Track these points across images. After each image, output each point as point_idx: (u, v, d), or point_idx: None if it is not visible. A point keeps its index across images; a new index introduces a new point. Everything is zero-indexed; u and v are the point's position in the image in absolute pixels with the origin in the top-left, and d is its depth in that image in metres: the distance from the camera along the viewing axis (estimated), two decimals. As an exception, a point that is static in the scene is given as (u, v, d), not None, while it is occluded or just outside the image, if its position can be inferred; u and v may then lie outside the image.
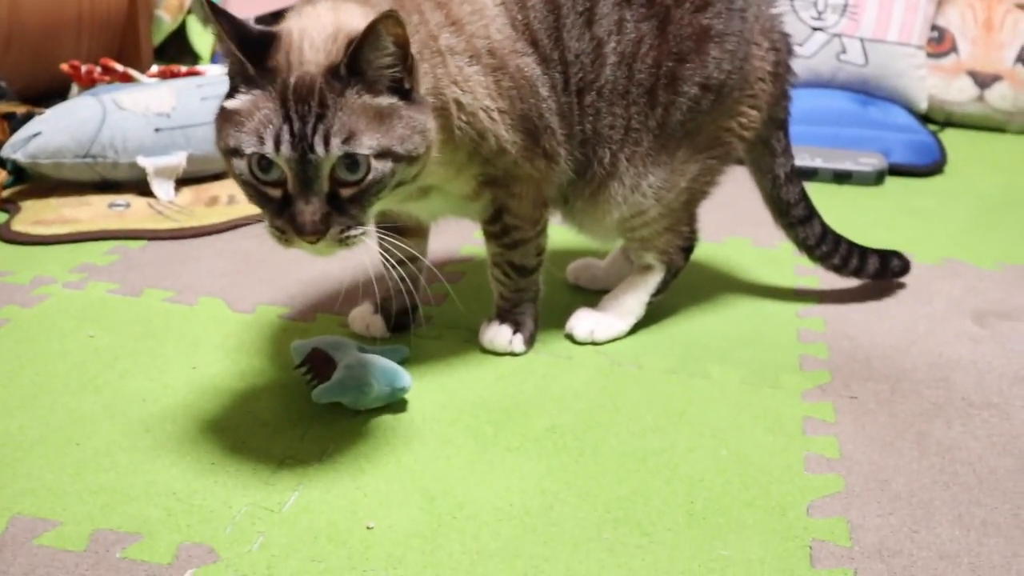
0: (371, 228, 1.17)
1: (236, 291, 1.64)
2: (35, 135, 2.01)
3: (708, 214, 1.53)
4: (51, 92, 2.48)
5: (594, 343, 1.49)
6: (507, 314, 1.46)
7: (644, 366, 1.43)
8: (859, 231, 1.72)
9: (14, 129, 2.11)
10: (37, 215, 1.95)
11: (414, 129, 1.10)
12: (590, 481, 1.16)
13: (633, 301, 1.52)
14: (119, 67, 2.36)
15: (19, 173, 2.11)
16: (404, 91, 1.10)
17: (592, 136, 1.36)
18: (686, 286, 1.66)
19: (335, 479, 1.15)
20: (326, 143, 1.04)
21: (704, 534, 1.07)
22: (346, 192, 1.08)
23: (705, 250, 1.83)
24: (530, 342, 1.46)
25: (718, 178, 1.50)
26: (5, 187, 2.04)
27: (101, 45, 2.66)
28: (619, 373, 1.41)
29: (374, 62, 1.06)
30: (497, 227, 1.39)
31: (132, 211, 1.96)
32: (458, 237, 1.86)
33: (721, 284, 1.73)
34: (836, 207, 1.68)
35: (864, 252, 1.65)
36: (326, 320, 1.55)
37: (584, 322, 1.50)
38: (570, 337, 1.50)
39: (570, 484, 1.15)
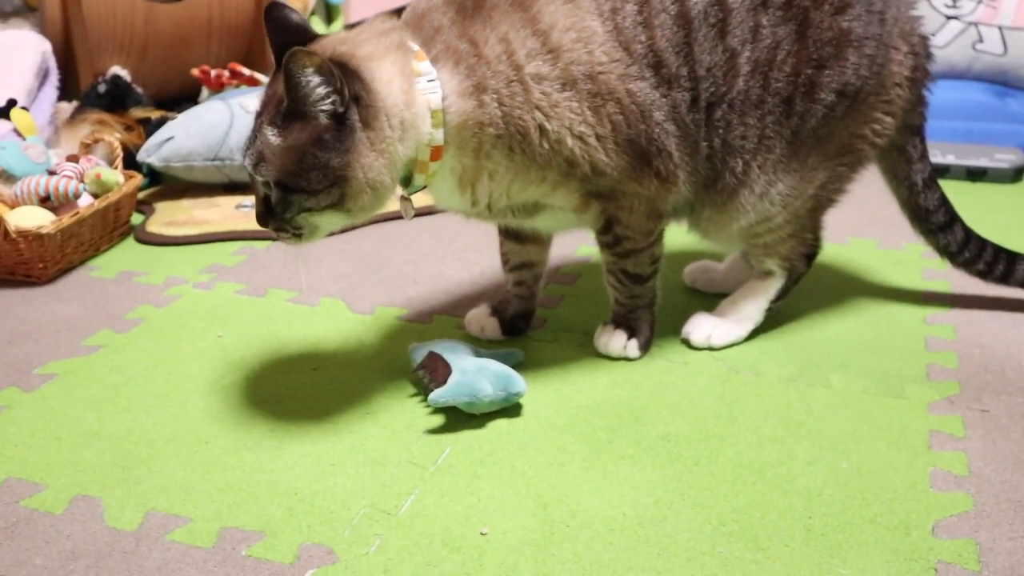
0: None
1: (356, 292, 1.68)
2: (168, 139, 2.10)
3: (831, 214, 1.49)
4: (183, 96, 2.58)
5: (711, 349, 1.47)
6: (622, 319, 1.45)
7: (762, 373, 1.40)
8: (994, 232, 1.64)
9: (149, 134, 2.21)
10: (170, 216, 2.04)
11: (315, 166, 1.15)
12: (705, 492, 1.14)
13: (752, 307, 1.49)
14: (246, 71, 2.44)
15: (153, 176, 2.21)
16: (352, 119, 1.16)
17: (721, 148, 1.33)
18: (807, 290, 1.62)
19: (450, 483, 1.16)
20: (249, 161, 1.19)
21: (822, 551, 1.04)
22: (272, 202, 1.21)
23: (827, 251, 1.78)
24: (645, 347, 1.45)
25: (847, 185, 1.45)
26: (140, 189, 2.13)
27: (229, 50, 2.75)
28: (736, 380, 1.38)
29: (296, 95, 1.13)
30: (608, 237, 1.38)
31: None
32: (574, 240, 1.86)
33: (844, 288, 1.68)
34: (969, 206, 1.61)
35: (1013, 257, 1.56)
36: (443, 321, 1.57)
37: (701, 327, 1.48)
38: (686, 342, 1.48)
39: (684, 495, 1.14)
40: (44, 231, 1.71)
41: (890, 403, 1.32)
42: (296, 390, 1.38)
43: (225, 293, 1.69)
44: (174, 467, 1.21)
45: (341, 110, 1.14)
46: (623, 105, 1.25)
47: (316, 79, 1.12)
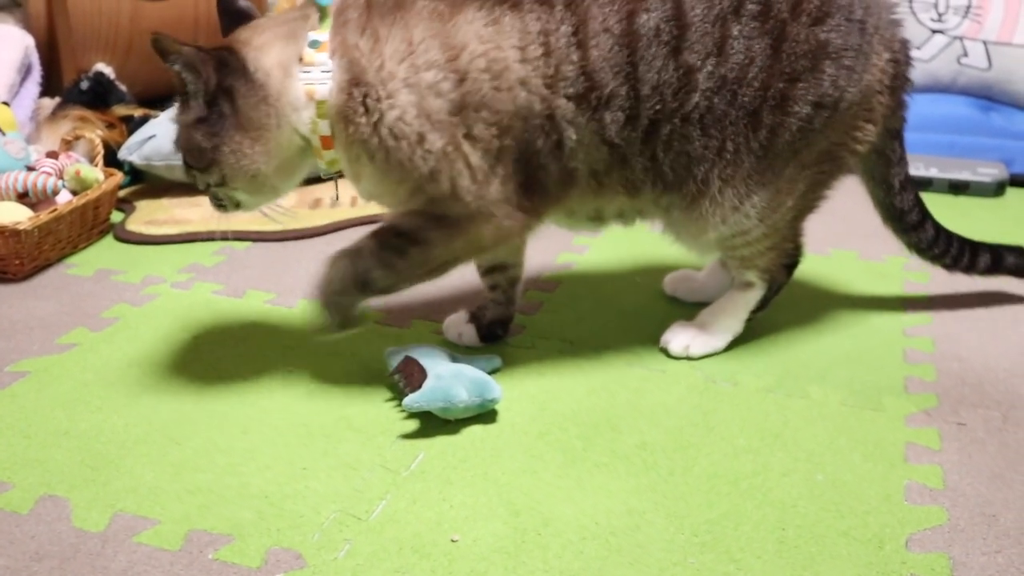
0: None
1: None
2: (150, 138, 2.08)
3: (812, 225, 1.48)
4: (167, 95, 2.56)
5: (689, 358, 1.46)
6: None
7: (740, 383, 1.40)
8: (974, 247, 1.64)
9: (131, 132, 2.19)
10: (150, 215, 2.02)
11: (196, 146, 1.25)
12: (679, 502, 1.13)
13: (731, 319, 1.48)
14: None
15: (135, 174, 2.19)
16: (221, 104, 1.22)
17: (672, 161, 1.30)
18: (787, 300, 1.62)
19: (423, 489, 1.15)
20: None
21: (795, 564, 1.04)
22: None
23: (808, 263, 1.77)
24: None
25: (827, 192, 1.45)
26: (121, 187, 2.12)
27: (216, 48, 2.74)
28: (713, 390, 1.38)
29: (177, 81, 1.23)
30: (397, 241, 1.29)
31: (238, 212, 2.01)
32: (554, 245, 1.85)
33: (824, 299, 1.68)
34: (951, 219, 1.61)
35: (975, 249, 1.60)
36: (421, 327, 1.56)
37: (679, 337, 1.47)
38: (664, 351, 1.47)
39: (658, 504, 1.13)
40: (21, 227, 1.69)
41: (867, 415, 1.32)
42: (271, 392, 1.36)
43: (203, 293, 1.68)
44: (144, 468, 1.19)
45: (207, 98, 1.22)
46: (516, 140, 1.23)
47: (181, 67, 1.21)
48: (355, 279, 1.29)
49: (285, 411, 1.32)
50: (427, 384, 1.26)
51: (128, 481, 1.17)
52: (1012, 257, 1.62)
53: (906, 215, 1.55)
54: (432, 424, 1.27)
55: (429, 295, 1.66)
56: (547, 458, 1.22)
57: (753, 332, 1.51)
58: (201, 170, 1.27)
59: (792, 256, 1.50)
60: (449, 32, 1.20)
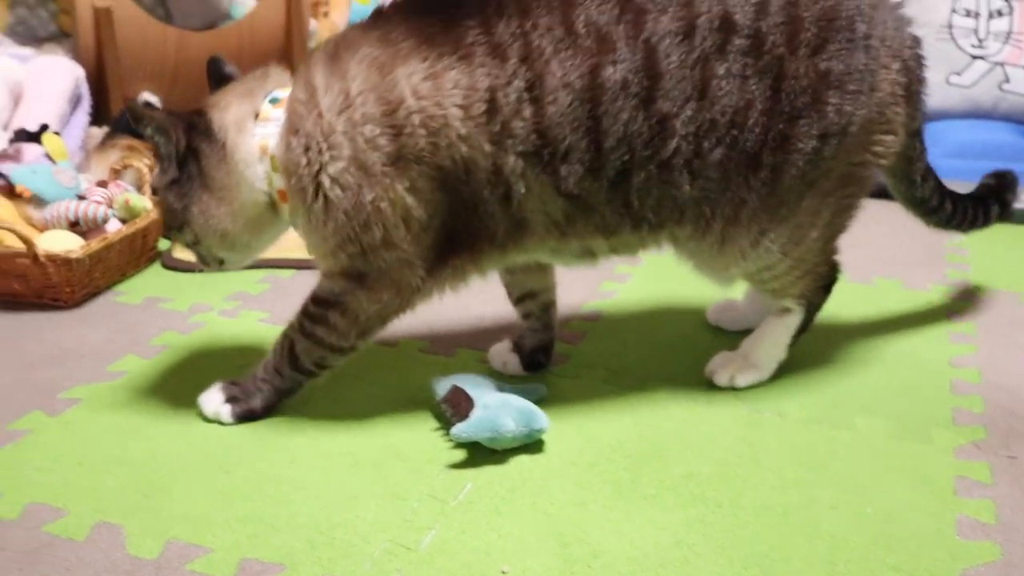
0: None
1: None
2: (197, 166, 2.11)
3: (854, 252, 1.48)
4: (212, 123, 2.60)
5: (734, 389, 1.46)
6: (246, 381, 1.38)
7: (786, 414, 1.39)
8: (1020, 273, 1.63)
9: (178, 160, 2.23)
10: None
11: (169, 208, 1.30)
12: (728, 534, 1.13)
13: (773, 346, 1.48)
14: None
15: (181, 201, 2.22)
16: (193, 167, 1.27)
17: (655, 205, 1.27)
18: (830, 330, 1.61)
19: (472, 519, 1.16)
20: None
21: (847, 599, 1.03)
22: None
23: (851, 291, 1.77)
24: (239, 419, 1.36)
25: (856, 211, 1.41)
26: (168, 215, 2.15)
27: (259, 77, 2.78)
28: (759, 421, 1.37)
29: (152, 144, 1.30)
30: (316, 310, 1.33)
31: (283, 240, 2.03)
32: (596, 275, 1.86)
33: (868, 328, 1.67)
34: (993, 250, 1.60)
35: (984, 201, 1.67)
36: (466, 355, 1.57)
37: (724, 368, 1.47)
38: (709, 381, 1.47)
39: (707, 537, 1.13)
40: (72, 255, 1.72)
41: (915, 447, 1.31)
42: (317, 421, 1.38)
43: (250, 321, 1.70)
44: (195, 496, 1.21)
45: (178, 160, 1.27)
46: (452, 194, 1.23)
47: (153, 131, 1.27)
48: (288, 357, 1.35)
49: (332, 440, 1.33)
50: (474, 414, 1.27)
51: (180, 509, 1.18)
52: (995, 180, 1.70)
53: (927, 202, 1.58)
54: (479, 454, 1.28)
55: (474, 324, 1.67)
56: (595, 489, 1.22)
57: (797, 362, 1.51)
58: (177, 230, 1.32)
59: (828, 277, 1.48)
60: (387, 86, 1.20)
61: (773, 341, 1.48)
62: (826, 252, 1.44)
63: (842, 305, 1.53)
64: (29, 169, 1.89)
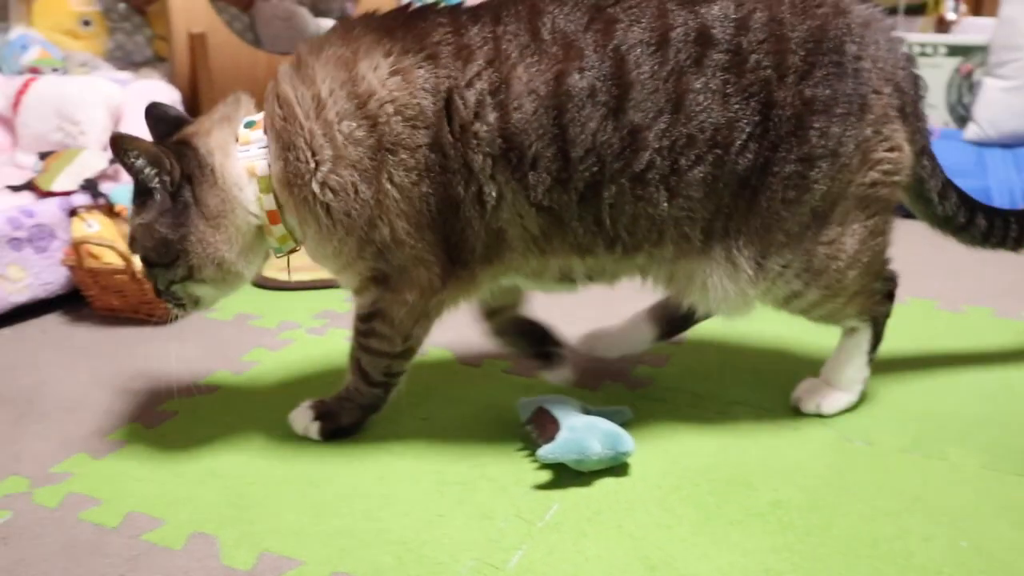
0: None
1: (464, 344, 1.70)
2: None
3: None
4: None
5: (821, 416, 1.44)
6: (331, 401, 1.42)
7: (875, 443, 1.37)
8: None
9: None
10: (285, 262, 2.10)
11: (161, 241, 1.27)
12: (817, 564, 1.12)
13: (852, 368, 1.45)
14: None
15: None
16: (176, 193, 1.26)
17: (629, 224, 1.26)
18: (920, 359, 1.59)
19: (558, 540, 1.16)
20: (128, 242, 1.34)
21: (943, 633, 1.01)
22: None
23: (941, 319, 1.74)
24: (328, 436, 1.40)
25: (889, 230, 1.38)
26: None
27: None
28: (848, 449, 1.36)
29: (133, 178, 1.27)
30: (365, 327, 1.36)
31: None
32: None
33: (958, 357, 1.64)
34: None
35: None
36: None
37: (810, 395, 1.45)
38: (796, 409, 1.46)
39: (796, 565, 1.11)
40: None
41: (1012, 480, 1.28)
42: (405, 439, 1.40)
43: (337, 339, 1.73)
44: (286, 509, 1.24)
45: (172, 189, 1.25)
46: (435, 186, 1.23)
47: (140, 161, 1.24)
48: (359, 374, 1.38)
49: (418, 458, 1.35)
50: (561, 436, 1.27)
51: (272, 522, 1.21)
52: None
53: (952, 220, 1.50)
54: (565, 475, 1.29)
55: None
56: (680, 513, 1.22)
57: (887, 389, 1.49)
58: (166, 265, 1.29)
59: (882, 291, 1.44)
60: (354, 80, 1.22)
61: (851, 362, 1.46)
62: (869, 276, 1.39)
63: (932, 333, 1.50)
64: (128, 188, 1.95)
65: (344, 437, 1.40)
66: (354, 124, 1.22)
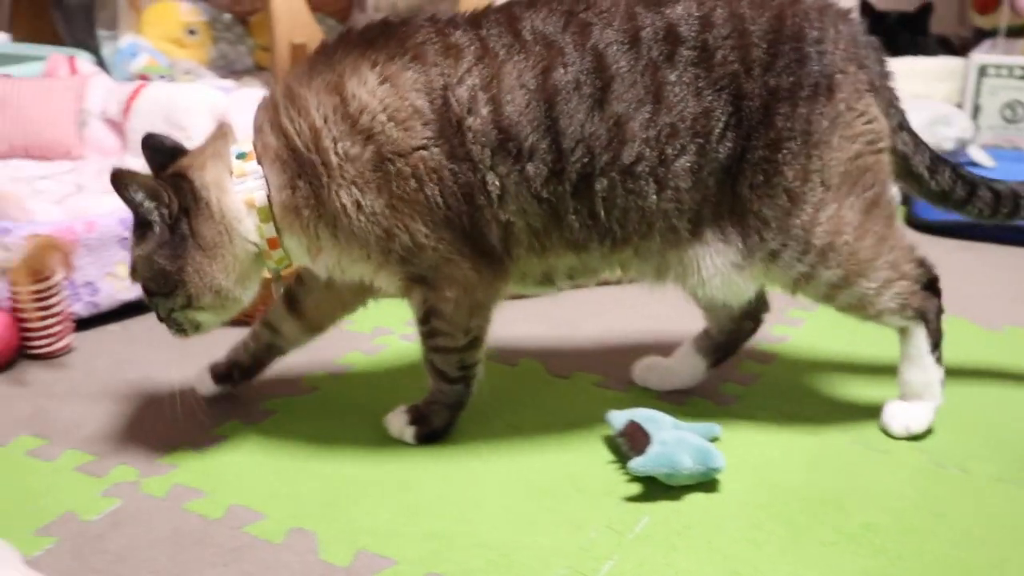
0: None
1: (553, 356, 1.72)
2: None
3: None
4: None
5: (912, 437, 1.43)
6: (421, 405, 1.45)
7: (969, 471, 1.36)
8: None
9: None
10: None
11: (160, 271, 1.31)
12: (910, 588, 1.11)
13: (922, 373, 1.43)
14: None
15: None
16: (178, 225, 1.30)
17: (620, 217, 1.31)
18: (1015, 380, 1.56)
19: (648, 553, 1.18)
20: (128, 270, 1.38)
21: (1040, 665, 1.00)
22: None
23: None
24: (427, 439, 1.43)
25: (888, 199, 1.39)
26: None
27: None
28: (941, 475, 1.34)
29: (132, 210, 1.31)
30: (426, 328, 1.39)
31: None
32: (770, 317, 1.85)
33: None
34: None
35: None
36: (639, 390, 1.59)
37: (898, 418, 1.44)
38: (886, 431, 1.45)
39: (888, 589, 1.11)
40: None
41: (1113, 514, 1.26)
42: (496, 446, 1.42)
43: (428, 346, 1.77)
44: (382, 509, 1.27)
45: (170, 222, 1.28)
46: (443, 182, 1.27)
47: (139, 195, 1.28)
48: (436, 374, 1.42)
49: (510, 466, 1.37)
50: (652, 449, 1.29)
51: (368, 521, 1.25)
52: None
53: (951, 194, 1.49)
54: (655, 488, 1.30)
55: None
56: (771, 531, 1.22)
57: (982, 414, 1.47)
58: (166, 295, 1.33)
59: (920, 277, 1.43)
60: (346, 101, 1.26)
61: (919, 368, 1.44)
62: (889, 250, 1.38)
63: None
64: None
65: (437, 440, 1.43)
66: (350, 143, 1.26)
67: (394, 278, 1.36)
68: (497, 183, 1.28)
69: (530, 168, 1.27)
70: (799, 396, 1.56)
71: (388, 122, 1.26)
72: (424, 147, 1.26)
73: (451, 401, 1.44)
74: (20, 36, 3.40)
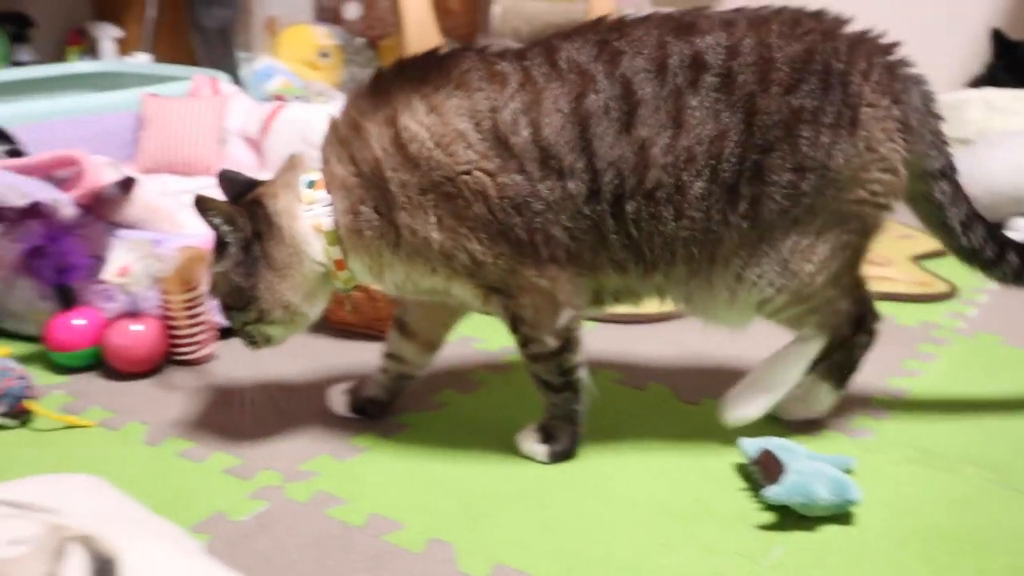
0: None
1: (682, 381, 1.73)
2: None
3: None
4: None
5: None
6: (545, 423, 1.48)
7: (1119, 516, 1.32)
8: None
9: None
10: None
11: (236, 288, 1.41)
12: (1059, 634, 1.09)
13: (785, 371, 1.48)
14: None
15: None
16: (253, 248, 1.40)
17: (647, 240, 1.36)
18: None
19: (784, 582, 1.18)
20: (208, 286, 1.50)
21: None
22: None
23: None
24: (558, 457, 1.46)
25: (861, 251, 1.44)
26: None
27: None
28: (1089, 520, 1.31)
29: (214, 233, 1.41)
30: (518, 337, 1.44)
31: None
32: (899, 352, 1.82)
33: None
34: None
35: None
36: (768, 420, 1.58)
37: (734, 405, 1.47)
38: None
39: (1036, 633, 1.09)
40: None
41: None
42: (626, 468, 1.44)
43: (555, 366, 1.80)
44: (518, 525, 1.30)
45: (244, 244, 1.39)
46: (490, 200, 1.33)
47: (218, 220, 1.39)
48: (544, 386, 1.46)
49: (642, 488, 1.39)
50: (788, 478, 1.29)
51: (504, 534, 1.28)
52: None
53: (980, 253, 1.48)
54: (788, 518, 1.30)
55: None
56: (911, 569, 1.20)
57: None
58: (240, 309, 1.42)
59: (853, 313, 1.47)
60: (399, 132, 1.33)
61: (785, 361, 1.48)
62: (835, 287, 1.43)
63: None
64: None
65: (567, 459, 1.45)
66: (404, 171, 1.34)
67: (468, 288, 1.41)
68: (544, 194, 1.34)
69: (571, 185, 1.34)
70: (936, 432, 1.54)
71: (435, 148, 1.34)
72: (468, 169, 1.33)
73: (565, 413, 1.47)
74: (161, 57, 3.59)
